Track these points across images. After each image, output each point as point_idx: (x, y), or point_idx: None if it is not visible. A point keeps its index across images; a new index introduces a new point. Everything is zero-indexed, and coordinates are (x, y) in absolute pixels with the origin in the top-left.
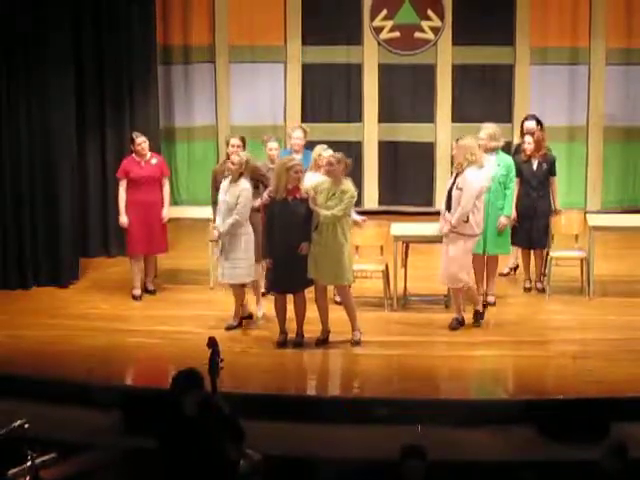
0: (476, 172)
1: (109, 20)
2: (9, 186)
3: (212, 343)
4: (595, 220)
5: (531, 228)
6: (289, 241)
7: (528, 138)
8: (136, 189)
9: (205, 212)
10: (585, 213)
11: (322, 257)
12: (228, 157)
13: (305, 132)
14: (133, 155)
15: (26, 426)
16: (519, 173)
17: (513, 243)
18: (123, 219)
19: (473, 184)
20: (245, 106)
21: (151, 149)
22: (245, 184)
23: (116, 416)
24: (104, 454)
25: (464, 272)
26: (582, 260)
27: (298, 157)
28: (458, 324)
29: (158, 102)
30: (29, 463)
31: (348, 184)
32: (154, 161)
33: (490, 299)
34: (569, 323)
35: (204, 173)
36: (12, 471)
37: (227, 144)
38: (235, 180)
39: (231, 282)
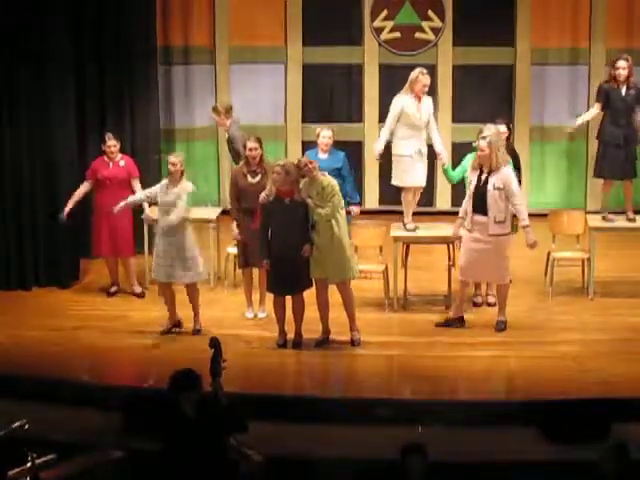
0: (509, 169)
1: (109, 20)
2: (9, 186)
3: (214, 343)
4: (596, 221)
5: (620, 157)
6: (285, 242)
7: (622, 63)
8: (103, 190)
9: (205, 213)
10: (586, 213)
11: (325, 256)
12: (247, 159)
13: (333, 132)
14: (104, 156)
15: (26, 427)
16: (606, 101)
17: (600, 175)
18: (65, 213)
19: (514, 181)
20: (245, 107)
21: (148, 150)
22: (188, 183)
23: (116, 417)
24: (104, 455)
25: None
26: (583, 261)
27: (324, 157)
28: (503, 326)
29: (158, 103)
30: (29, 464)
31: (325, 179)
32: (122, 163)
33: (491, 299)
34: (570, 324)
35: (204, 174)
36: (12, 472)
37: (244, 147)
38: (177, 181)
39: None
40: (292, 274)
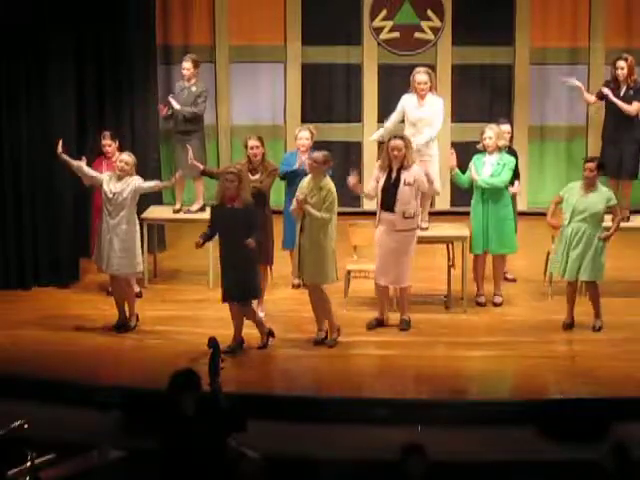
0: (419, 166)
1: (109, 20)
2: (10, 186)
3: (213, 343)
4: None
5: (617, 156)
6: (228, 249)
7: (621, 63)
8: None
9: (204, 213)
10: None
11: (305, 256)
12: (249, 158)
13: (312, 133)
14: (103, 156)
15: (25, 426)
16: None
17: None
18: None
19: (423, 173)
20: (245, 106)
21: (147, 150)
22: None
23: (115, 416)
24: (104, 455)
25: (410, 271)
26: None
27: (304, 158)
28: (378, 324)
29: (158, 102)
30: (28, 464)
31: (326, 181)
32: None
33: (497, 299)
34: None
35: None
36: (12, 472)
37: (246, 146)
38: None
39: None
40: (236, 281)
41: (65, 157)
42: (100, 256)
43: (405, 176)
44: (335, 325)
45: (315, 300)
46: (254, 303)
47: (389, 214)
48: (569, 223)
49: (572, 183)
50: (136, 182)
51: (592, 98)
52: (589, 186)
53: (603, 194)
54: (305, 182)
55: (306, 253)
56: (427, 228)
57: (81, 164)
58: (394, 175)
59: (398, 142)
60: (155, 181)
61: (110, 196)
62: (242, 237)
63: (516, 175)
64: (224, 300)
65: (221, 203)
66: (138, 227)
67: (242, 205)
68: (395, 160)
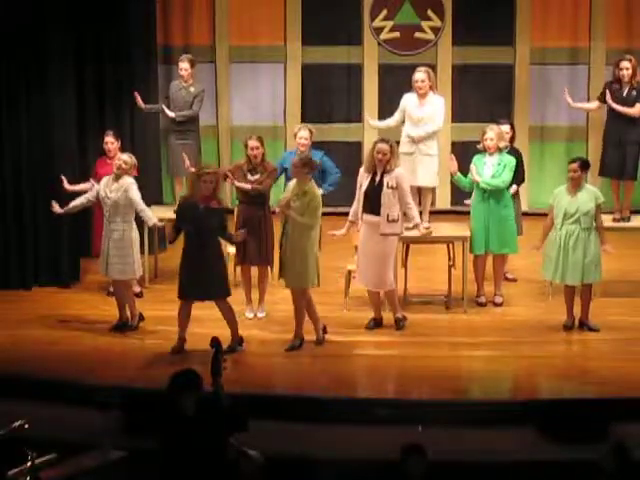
0: (402, 169)
1: (109, 20)
2: (10, 186)
3: (215, 343)
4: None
5: (619, 157)
6: (198, 248)
7: (625, 63)
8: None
9: None
10: None
11: (287, 260)
12: (249, 159)
13: (311, 132)
14: (105, 155)
15: (26, 426)
16: (605, 99)
17: (601, 174)
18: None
19: (407, 180)
20: (245, 106)
21: (147, 150)
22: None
23: (116, 416)
24: (104, 455)
25: (392, 273)
26: None
27: None
28: (376, 324)
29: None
30: (29, 463)
31: (310, 186)
32: None
33: (497, 299)
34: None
35: None
36: (12, 472)
37: (245, 146)
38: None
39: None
40: (205, 279)
41: (71, 188)
42: (101, 260)
43: (388, 179)
44: (300, 331)
45: (303, 304)
46: (255, 303)
47: (373, 217)
48: (561, 227)
49: (558, 188)
50: (130, 186)
51: (594, 105)
52: (575, 186)
53: (591, 193)
54: (291, 185)
55: (288, 257)
56: (427, 228)
57: (76, 203)
58: (377, 179)
59: (384, 146)
60: (148, 210)
61: (107, 201)
62: (213, 236)
63: (520, 176)
64: (180, 297)
65: (193, 202)
66: (136, 233)
67: (219, 205)
68: (379, 164)
